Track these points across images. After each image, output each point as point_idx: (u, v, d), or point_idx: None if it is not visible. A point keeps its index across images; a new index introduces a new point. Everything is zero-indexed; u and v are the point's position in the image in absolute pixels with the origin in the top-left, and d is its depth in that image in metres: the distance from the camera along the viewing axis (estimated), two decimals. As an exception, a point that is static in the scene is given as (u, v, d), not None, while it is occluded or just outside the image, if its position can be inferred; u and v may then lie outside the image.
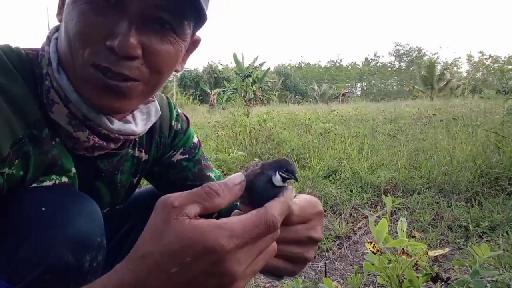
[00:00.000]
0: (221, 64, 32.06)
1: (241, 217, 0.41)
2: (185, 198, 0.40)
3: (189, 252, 0.37)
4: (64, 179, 0.65)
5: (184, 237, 0.38)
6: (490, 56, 60.24)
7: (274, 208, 0.43)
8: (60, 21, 0.62)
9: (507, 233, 1.86)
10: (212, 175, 0.92)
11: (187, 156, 0.89)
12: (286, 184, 0.48)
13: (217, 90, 19.69)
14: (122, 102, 0.61)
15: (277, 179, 0.47)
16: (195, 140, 0.92)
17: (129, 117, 0.69)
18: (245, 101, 15.05)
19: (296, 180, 0.49)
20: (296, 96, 31.32)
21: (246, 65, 23.16)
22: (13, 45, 0.63)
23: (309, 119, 6.84)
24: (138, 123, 0.70)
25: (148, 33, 0.57)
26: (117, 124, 0.64)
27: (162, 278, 0.38)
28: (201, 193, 0.41)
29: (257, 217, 0.41)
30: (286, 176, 0.47)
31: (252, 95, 19.09)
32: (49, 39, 0.64)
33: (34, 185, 0.61)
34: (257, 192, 0.47)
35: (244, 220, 0.40)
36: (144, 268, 0.38)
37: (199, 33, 0.70)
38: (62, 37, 0.59)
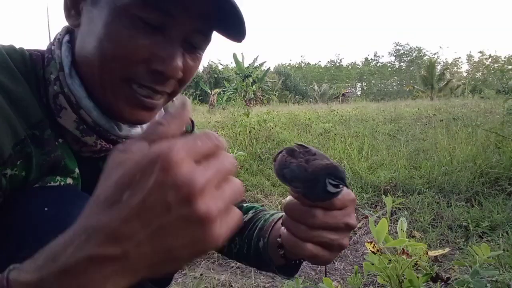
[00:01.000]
0: (221, 64, 32.06)
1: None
2: (130, 141, 0.36)
3: (136, 169, 0.33)
4: (69, 181, 0.64)
5: (127, 161, 0.34)
6: (490, 56, 60.28)
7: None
8: (74, 25, 0.61)
9: (507, 233, 1.86)
10: None
11: None
12: (339, 189, 0.51)
13: (217, 90, 19.68)
14: (151, 115, 0.63)
15: (330, 188, 0.50)
16: None
17: None
18: (245, 101, 15.05)
19: (347, 186, 0.51)
20: (296, 96, 31.33)
21: (246, 65, 23.15)
22: (17, 46, 0.62)
23: (309, 119, 6.85)
24: (144, 126, 0.70)
25: (185, 54, 0.59)
26: (125, 130, 0.66)
27: (115, 210, 0.32)
28: (145, 130, 0.38)
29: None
30: (335, 183, 0.50)
31: (252, 95, 19.09)
32: (59, 42, 0.62)
33: (37, 185, 0.61)
34: (312, 198, 0.52)
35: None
36: (95, 210, 0.34)
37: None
38: (86, 48, 0.58)
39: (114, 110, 0.60)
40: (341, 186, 0.51)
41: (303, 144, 0.58)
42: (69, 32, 0.64)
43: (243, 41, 0.66)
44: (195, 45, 0.61)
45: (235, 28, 0.61)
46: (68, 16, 0.61)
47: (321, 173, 0.50)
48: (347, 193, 0.56)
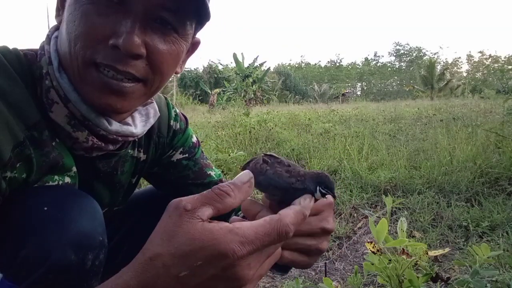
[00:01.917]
0: (221, 64, 31.98)
1: (253, 223, 0.41)
2: (197, 201, 0.40)
3: (200, 256, 0.37)
4: (67, 180, 0.65)
5: (196, 239, 0.37)
6: (490, 56, 60.27)
7: (289, 217, 0.42)
8: (59, 22, 0.62)
9: (507, 233, 1.86)
10: (212, 173, 0.92)
11: (187, 155, 0.89)
12: (323, 198, 0.51)
13: (217, 90, 19.69)
14: (123, 102, 0.60)
15: (317, 195, 0.49)
16: (194, 139, 0.92)
17: (128, 119, 0.69)
18: (245, 101, 15.07)
19: (334, 197, 0.50)
20: (296, 96, 31.30)
21: (246, 65, 23.15)
22: (11, 47, 0.62)
23: (309, 119, 6.85)
24: (138, 125, 0.71)
25: (150, 32, 0.57)
26: (115, 126, 0.64)
27: (170, 281, 0.37)
28: (212, 195, 0.41)
29: (270, 224, 0.41)
30: (324, 192, 0.50)
31: (252, 95, 19.13)
32: (49, 38, 0.63)
33: (36, 185, 0.61)
34: (295, 199, 0.49)
35: (256, 227, 0.40)
36: (151, 270, 0.37)
37: (199, 35, 0.70)
38: (63, 38, 0.59)
39: (85, 96, 0.59)
40: (327, 196, 0.50)
41: (273, 154, 0.58)
42: (58, 28, 0.64)
43: (206, 23, 0.65)
44: (167, 25, 0.58)
45: (196, 8, 0.59)
46: (57, 15, 0.63)
47: (313, 181, 0.50)
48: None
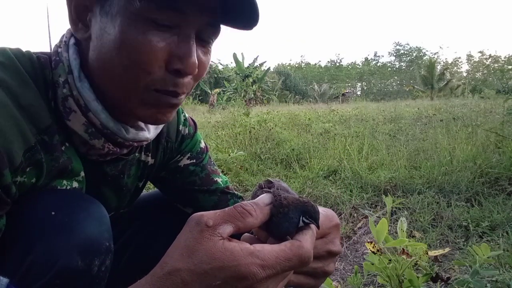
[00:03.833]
0: (221, 64, 31.92)
1: (274, 247, 0.41)
2: (218, 217, 0.40)
3: (219, 275, 0.37)
4: (75, 184, 0.65)
5: (216, 258, 0.37)
6: (490, 56, 60.29)
7: (309, 242, 0.42)
8: (84, 38, 0.60)
9: (507, 233, 1.86)
10: (219, 180, 0.91)
11: (194, 161, 0.88)
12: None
13: (217, 90, 19.69)
14: (172, 114, 0.64)
15: (300, 224, 0.48)
16: (202, 145, 0.91)
17: (142, 124, 0.69)
18: (245, 101, 15.07)
19: (317, 227, 0.48)
20: (296, 96, 31.30)
21: (246, 65, 23.15)
22: (24, 49, 0.61)
23: (309, 119, 6.85)
24: (150, 129, 0.71)
25: (198, 48, 0.59)
26: (132, 133, 0.65)
27: None
28: (234, 213, 0.41)
29: (291, 250, 0.41)
30: (308, 222, 0.48)
31: (252, 95, 19.13)
32: (66, 45, 0.62)
33: (44, 189, 0.61)
34: (280, 230, 0.47)
35: (277, 251, 0.40)
36: (169, 286, 0.37)
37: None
38: (98, 57, 0.58)
39: (140, 115, 0.61)
40: (311, 225, 0.48)
41: (270, 179, 0.56)
42: (73, 35, 0.63)
43: (254, 28, 0.63)
44: (206, 39, 0.60)
45: (245, 16, 0.59)
46: (76, 30, 0.60)
47: (297, 211, 0.47)
48: (329, 220, 0.55)
